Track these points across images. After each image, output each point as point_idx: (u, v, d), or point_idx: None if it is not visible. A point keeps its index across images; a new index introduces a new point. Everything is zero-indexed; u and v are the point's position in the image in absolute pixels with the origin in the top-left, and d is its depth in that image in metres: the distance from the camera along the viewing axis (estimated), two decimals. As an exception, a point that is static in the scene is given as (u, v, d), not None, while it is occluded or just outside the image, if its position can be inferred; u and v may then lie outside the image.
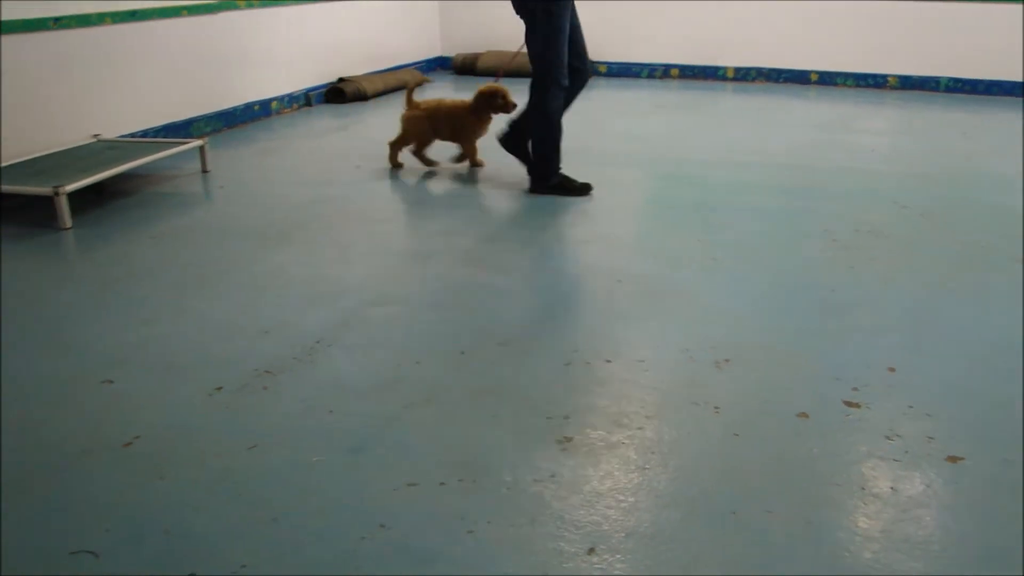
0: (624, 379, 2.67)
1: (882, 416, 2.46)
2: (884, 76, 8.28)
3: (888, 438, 2.35)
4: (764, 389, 2.61)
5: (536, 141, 4.70)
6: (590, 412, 2.48)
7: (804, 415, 2.46)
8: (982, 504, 2.08)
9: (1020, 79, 7.85)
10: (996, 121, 6.92)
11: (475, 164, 5.28)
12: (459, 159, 5.29)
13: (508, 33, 7.27)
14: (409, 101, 5.14)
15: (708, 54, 8.63)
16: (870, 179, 4.98)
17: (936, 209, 4.42)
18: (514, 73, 6.22)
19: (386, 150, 5.30)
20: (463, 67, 9.07)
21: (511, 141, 4.91)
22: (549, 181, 4.69)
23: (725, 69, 8.62)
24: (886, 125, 6.75)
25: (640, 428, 2.40)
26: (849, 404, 2.52)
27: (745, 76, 8.58)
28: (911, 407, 2.51)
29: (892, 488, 2.13)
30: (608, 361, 2.79)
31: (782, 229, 4.10)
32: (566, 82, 4.48)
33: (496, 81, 5.03)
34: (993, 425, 2.43)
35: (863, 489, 2.12)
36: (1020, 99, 7.80)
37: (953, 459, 2.26)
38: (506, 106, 4.94)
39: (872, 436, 2.36)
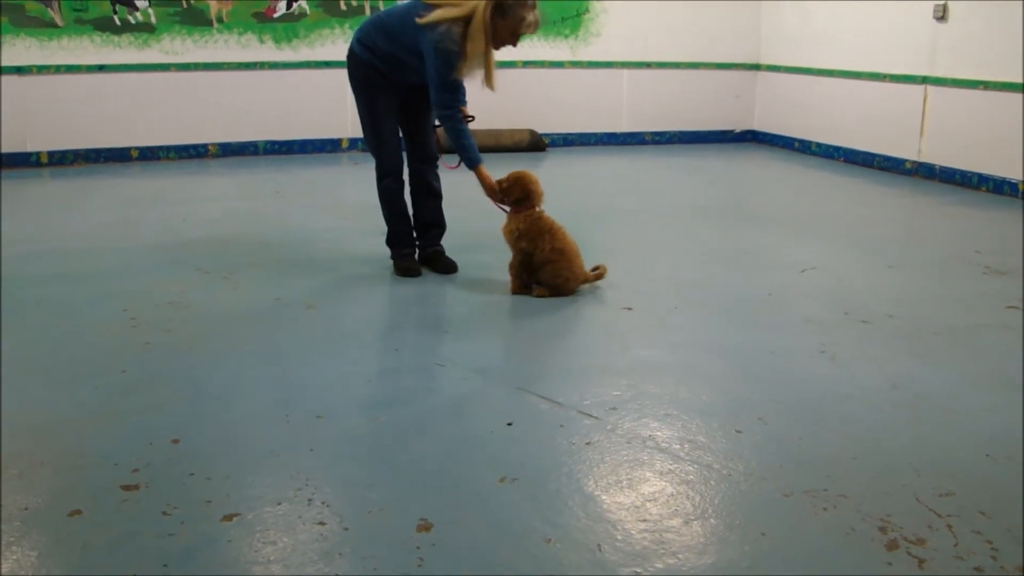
0: None
1: (159, 493, 2.44)
2: (205, 145, 8.49)
3: (165, 513, 2.34)
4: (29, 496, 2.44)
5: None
6: None
7: (78, 512, 2.34)
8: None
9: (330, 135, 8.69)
10: (307, 176, 7.54)
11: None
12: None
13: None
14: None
15: (15, 139, 8.01)
16: (175, 250, 5.00)
17: (240, 268, 4.60)
18: None
19: None
20: None
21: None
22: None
23: (38, 154, 8.10)
24: (214, 192, 6.91)
25: None
26: (127, 488, 2.46)
27: (62, 160, 8.16)
28: (192, 475, 2.54)
29: (165, 566, 2.12)
30: None
31: (77, 321, 3.85)
32: (393, 167, 4.47)
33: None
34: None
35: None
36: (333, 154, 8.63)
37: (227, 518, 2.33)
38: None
39: (150, 515, 2.33)
